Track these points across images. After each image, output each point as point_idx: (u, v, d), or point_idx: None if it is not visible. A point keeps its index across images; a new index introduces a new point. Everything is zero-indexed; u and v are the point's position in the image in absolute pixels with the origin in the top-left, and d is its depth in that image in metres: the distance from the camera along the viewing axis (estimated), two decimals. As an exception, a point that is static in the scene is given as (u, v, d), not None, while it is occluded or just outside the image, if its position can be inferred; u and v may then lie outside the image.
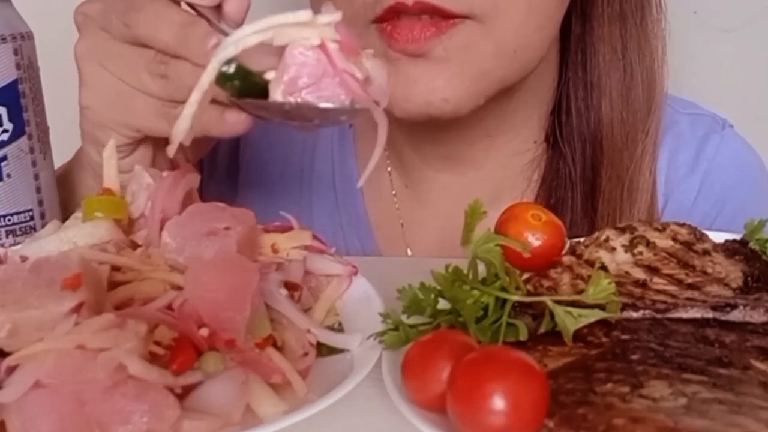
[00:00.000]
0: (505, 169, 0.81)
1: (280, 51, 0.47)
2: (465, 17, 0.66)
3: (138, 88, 0.57)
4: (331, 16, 0.47)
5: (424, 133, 0.80)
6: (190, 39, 0.53)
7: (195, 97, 0.48)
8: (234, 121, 0.55)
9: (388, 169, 0.85)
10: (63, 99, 0.73)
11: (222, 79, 0.48)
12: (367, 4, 0.68)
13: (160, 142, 0.62)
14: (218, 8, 0.55)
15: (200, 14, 0.55)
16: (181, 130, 0.49)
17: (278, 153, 0.88)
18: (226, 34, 0.50)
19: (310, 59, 0.47)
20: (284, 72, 0.47)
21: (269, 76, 0.48)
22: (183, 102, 0.50)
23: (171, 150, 0.51)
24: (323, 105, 0.47)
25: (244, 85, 0.49)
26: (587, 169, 0.78)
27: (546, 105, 0.81)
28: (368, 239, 0.85)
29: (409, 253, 0.84)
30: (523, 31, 0.69)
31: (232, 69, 0.48)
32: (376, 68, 0.50)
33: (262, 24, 0.47)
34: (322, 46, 0.47)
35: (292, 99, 0.47)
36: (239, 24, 0.55)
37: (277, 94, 0.47)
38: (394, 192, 0.85)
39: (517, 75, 0.72)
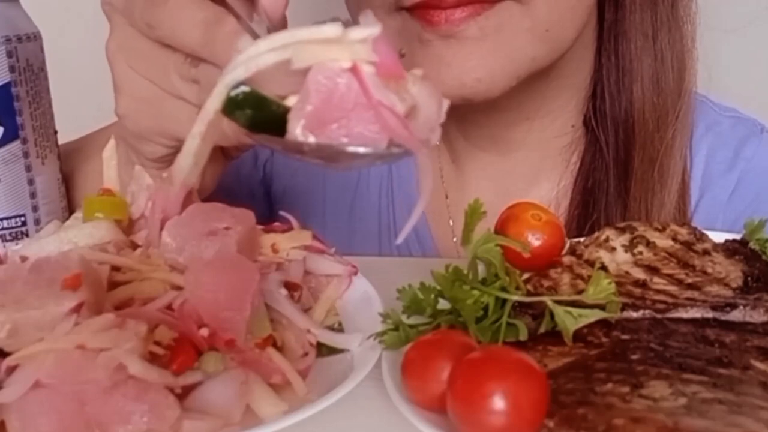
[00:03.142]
0: (544, 151, 0.84)
1: (305, 73, 0.38)
2: None
3: (171, 92, 0.52)
4: (366, 31, 0.38)
5: (467, 114, 0.82)
6: (215, 40, 0.47)
7: (198, 129, 0.41)
8: None
9: (439, 143, 0.87)
10: (66, 100, 0.73)
11: (230, 107, 0.40)
12: None
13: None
14: (252, 1, 0.47)
15: (230, 9, 0.47)
16: (182, 168, 0.42)
17: None
18: (257, 35, 0.42)
19: (338, 87, 0.38)
20: (306, 102, 0.38)
21: (291, 102, 0.39)
22: None
23: (174, 191, 0.45)
24: (351, 149, 0.38)
25: (258, 116, 0.40)
26: (620, 151, 0.79)
27: (584, 90, 0.83)
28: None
29: (451, 224, 0.86)
30: (557, 9, 0.69)
31: (242, 95, 0.39)
32: (425, 95, 0.41)
33: (279, 39, 0.39)
34: (354, 70, 0.37)
35: (312, 139, 0.38)
36: (277, 21, 0.47)
37: (296, 129, 0.38)
38: (440, 165, 0.88)
39: (549, 56, 0.73)
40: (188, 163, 0.42)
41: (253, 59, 0.39)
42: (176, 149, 0.53)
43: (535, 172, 0.85)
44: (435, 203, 0.87)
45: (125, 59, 0.54)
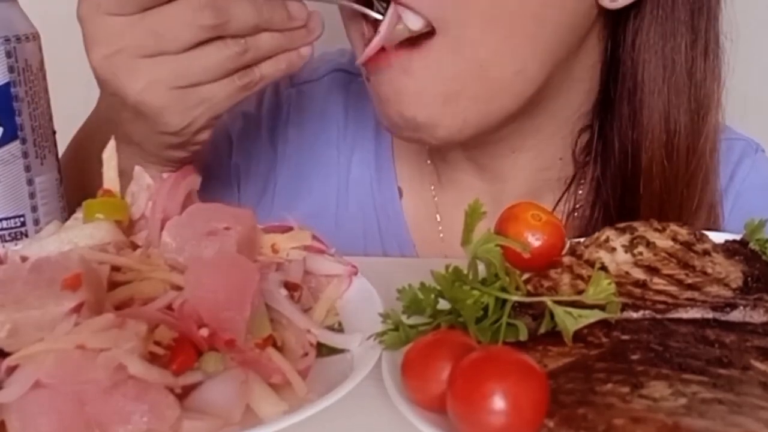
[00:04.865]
0: (536, 182, 0.82)
1: None
2: (429, 24, 0.65)
3: (218, 78, 0.62)
4: None
5: (454, 147, 0.81)
6: (274, 14, 0.62)
7: None
8: (307, 54, 0.65)
9: (428, 160, 0.87)
10: (65, 100, 0.73)
11: None
12: None
13: None
14: None
15: None
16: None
17: (314, 166, 0.89)
18: None
19: None
20: None
21: None
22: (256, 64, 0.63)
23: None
24: None
25: None
26: (626, 205, 0.77)
27: (573, 123, 0.80)
28: (405, 237, 0.86)
29: (447, 253, 0.84)
30: (488, 39, 0.67)
31: None
32: None
33: None
34: None
35: None
36: None
37: None
38: (433, 187, 0.87)
39: (502, 96, 0.70)
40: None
41: None
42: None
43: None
44: (426, 228, 0.86)
45: (165, 86, 0.61)
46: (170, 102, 0.62)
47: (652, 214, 0.74)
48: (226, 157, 0.90)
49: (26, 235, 0.62)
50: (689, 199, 0.76)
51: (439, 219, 0.86)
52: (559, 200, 0.81)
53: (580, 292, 0.49)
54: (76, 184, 0.69)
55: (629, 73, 0.75)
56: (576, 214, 0.81)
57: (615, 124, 0.77)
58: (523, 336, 0.47)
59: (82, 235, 0.53)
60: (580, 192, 0.81)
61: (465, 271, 0.51)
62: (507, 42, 0.67)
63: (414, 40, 0.67)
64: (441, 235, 0.86)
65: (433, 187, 0.86)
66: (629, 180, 0.76)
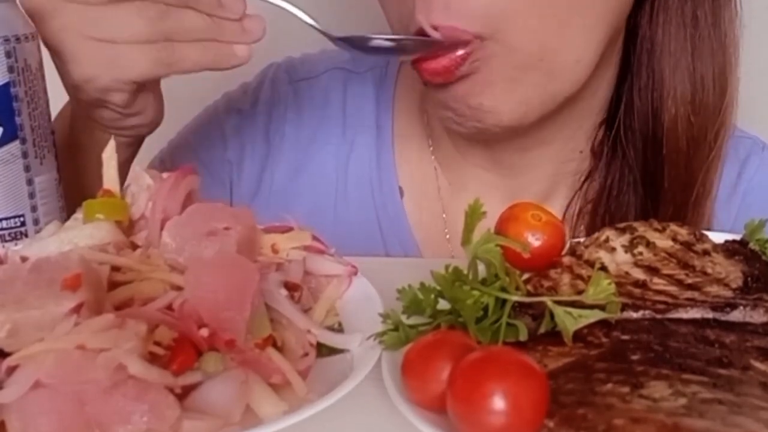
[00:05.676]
0: (554, 176, 0.82)
1: None
2: (479, 38, 0.66)
3: (133, 41, 0.61)
4: None
5: (476, 141, 0.81)
6: None
7: None
8: (243, 54, 0.64)
9: (434, 165, 0.86)
10: (63, 100, 0.73)
11: None
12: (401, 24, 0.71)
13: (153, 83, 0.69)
14: None
15: None
16: None
17: (311, 164, 0.89)
18: None
19: None
20: None
21: None
22: (180, 41, 0.62)
23: None
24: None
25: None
26: (649, 172, 0.77)
27: (596, 115, 0.80)
28: (407, 238, 0.86)
29: (452, 252, 0.84)
30: (541, 37, 0.68)
31: None
32: None
33: None
34: None
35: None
36: None
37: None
38: (439, 186, 0.86)
39: (563, 82, 0.71)
40: None
41: None
42: (135, 91, 0.65)
43: (543, 196, 0.83)
44: (432, 230, 0.86)
45: (77, 32, 0.61)
46: (80, 50, 0.62)
47: (678, 173, 0.76)
48: (219, 153, 0.89)
49: (26, 235, 0.62)
50: (719, 150, 0.77)
51: (445, 218, 0.85)
52: (575, 194, 0.82)
53: (580, 292, 0.49)
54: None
55: (647, 36, 0.76)
56: (587, 208, 0.81)
57: (635, 90, 0.77)
58: (523, 336, 0.47)
59: (82, 235, 0.53)
60: (593, 185, 0.82)
61: (465, 271, 0.51)
62: (561, 35, 0.69)
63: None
64: (447, 236, 0.85)
65: (439, 187, 0.86)
66: (651, 143, 0.77)
